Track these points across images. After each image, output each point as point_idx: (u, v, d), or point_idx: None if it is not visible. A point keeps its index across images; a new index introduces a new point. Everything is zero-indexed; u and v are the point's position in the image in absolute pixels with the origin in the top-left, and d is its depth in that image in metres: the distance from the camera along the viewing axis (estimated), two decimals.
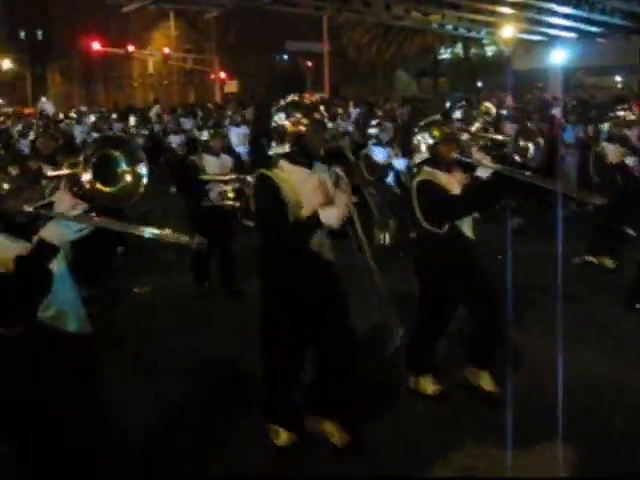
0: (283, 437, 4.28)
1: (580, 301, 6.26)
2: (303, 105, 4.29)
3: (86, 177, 3.22)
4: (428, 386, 4.92)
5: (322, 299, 4.07)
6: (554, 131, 10.27)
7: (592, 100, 15.29)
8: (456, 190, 4.69)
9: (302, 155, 4.14)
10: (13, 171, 3.22)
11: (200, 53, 39.46)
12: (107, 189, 3.29)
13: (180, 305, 7.23)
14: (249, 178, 7.10)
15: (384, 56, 31.37)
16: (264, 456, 4.13)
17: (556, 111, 12.48)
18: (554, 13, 21.62)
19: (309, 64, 34.46)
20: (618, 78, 27.86)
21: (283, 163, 4.16)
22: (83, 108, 25.88)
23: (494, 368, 4.84)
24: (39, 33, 58.44)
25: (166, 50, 35.27)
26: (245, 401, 4.76)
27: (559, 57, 26.09)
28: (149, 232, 3.15)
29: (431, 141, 4.83)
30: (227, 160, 7.76)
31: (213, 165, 7.56)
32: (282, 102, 4.29)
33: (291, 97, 4.38)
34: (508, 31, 23.71)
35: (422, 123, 4.99)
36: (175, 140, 14.74)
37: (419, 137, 4.94)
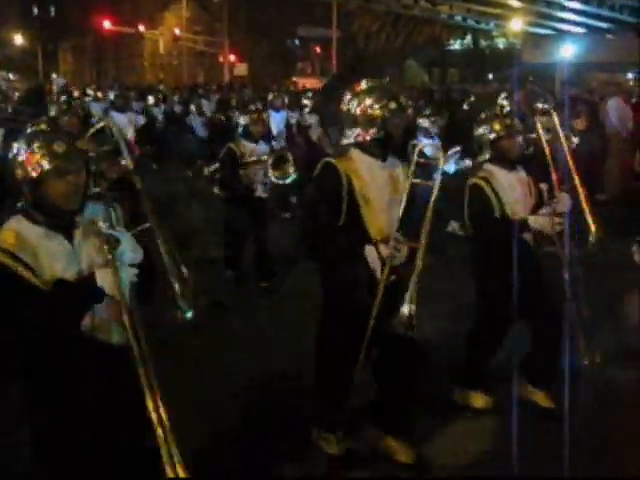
0: (334, 446, 4.04)
1: None
2: (387, 89, 4.00)
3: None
4: (478, 400, 4.54)
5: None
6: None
7: (587, 96, 15.25)
8: (518, 191, 4.31)
9: (379, 144, 3.78)
10: (59, 148, 2.78)
11: (211, 35, 39.51)
12: None
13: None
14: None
15: (393, 44, 31.36)
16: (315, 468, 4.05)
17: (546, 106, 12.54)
18: (563, 7, 21.60)
19: (317, 50, 34.52)
20: (630, 75, 27.68)
21: (354, 152, 3.82)
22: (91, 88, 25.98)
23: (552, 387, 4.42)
24: (52, 9, 58.49)
25: (177, 31, 35.35)
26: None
27: (569, 52, 25.99)
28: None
29: (492, 136, 4.43)
30: (264, 148, 7.18)
31: (251, 152, 6.99)
32: (362, 86, 3.97)
33: (369, 82, 4.07)
34: (516, 24, 23.69)
35: (481, 116, 4.64)
36: (197, 122, 14.37)
37: (480, 131, 4.55)
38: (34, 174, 2.74)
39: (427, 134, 8.33)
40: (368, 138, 3.76)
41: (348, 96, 3.95)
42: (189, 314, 2.95)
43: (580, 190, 4.54)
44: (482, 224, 4.35)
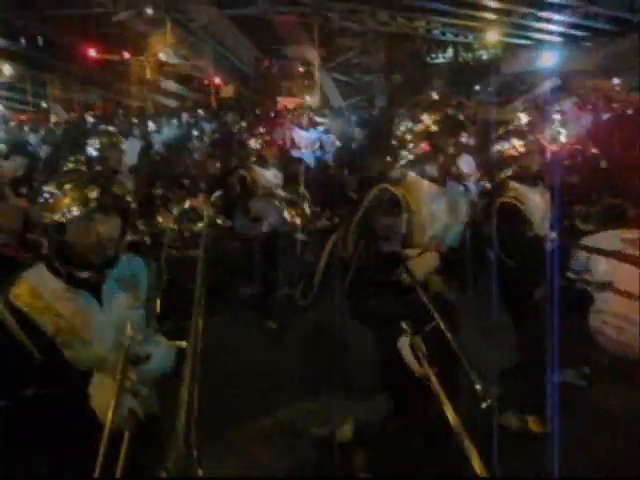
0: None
1: None
2: (432, 102, 3.27)
3: None
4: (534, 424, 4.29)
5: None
6: None
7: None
8: (543, 209, 4.08)
9: (434, 165, 3.33)
10: (91, 193, 2.48)
11: (196, 58, 39.70)
12: None
13: None
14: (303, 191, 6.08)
15: (375, 61, 31.54)
16: None
17: None
18: (538, 18, 21.91)
19: (301, 69, 34.70)
20: (616, 81, 27.74)
21: (411, 176, 3.37)
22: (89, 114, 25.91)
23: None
24: (40, 39, 58.59)
25: (162, 56, 35.62)
26: None
27: (548, 60, 26.20)
28: None
29: (514, 152, 4.18)
30: (277, 174, 6.52)
31: (263, 180, 6.33)
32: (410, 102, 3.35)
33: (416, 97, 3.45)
34: (493, 35, 24.01)
35: (501, 131, 4.26)
36: (198, 147, 13.90)
37: (499, 148, 4.28)
38: (62, 219, 2.45)
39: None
40: (423, 158, 3.35)
41: (398, 115, 3.42)
42: None
43: None
44: (518, 245, 4.03)
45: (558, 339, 3.99)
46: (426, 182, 3.42)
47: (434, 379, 3.07)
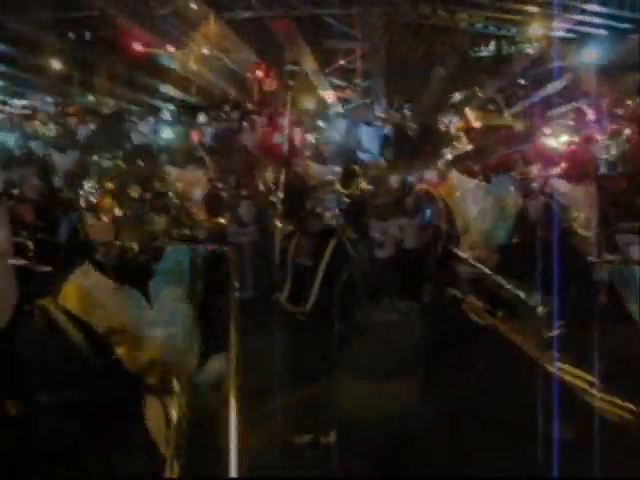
0: None
1: None
2: (476, 97, 3.13)
3: None
4: None
5: None
6: None
7: None
8: (585, 205, 3.84)
9: (475, 160, 2.96)
10: (133, 193, 2.29)
11: (239, 52, 39.86)
12: None
13: None
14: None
15: (415, 54, 31.39)
16: None
17: None
18: (582, 11, 21.63)
19: (341, 62, 34.72)
20: None
21: (453, 174, 3.06)
22: None
23: None
24: (87, 34, 59.48)
25: (205, 50, 35.85)
26: None
27: (591, 54, 25.78)
28: None
29: (560, 146, 3.87)
30: (331, 169, 5.90)
31: (319, 174, 5.70)
32: (455, 98, 3.18)
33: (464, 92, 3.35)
34: (536, 29, 23.78)
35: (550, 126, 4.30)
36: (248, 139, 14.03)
37: (547, 142, 4.10)
38: (105, 218, 2.29)
39: None
40: (466, 155, 2.99)
41: (443, 110, 3.35)
42: None
43: None
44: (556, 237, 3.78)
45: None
46: (468, 180, 3.27)
47: (500, 322, 3.09)
